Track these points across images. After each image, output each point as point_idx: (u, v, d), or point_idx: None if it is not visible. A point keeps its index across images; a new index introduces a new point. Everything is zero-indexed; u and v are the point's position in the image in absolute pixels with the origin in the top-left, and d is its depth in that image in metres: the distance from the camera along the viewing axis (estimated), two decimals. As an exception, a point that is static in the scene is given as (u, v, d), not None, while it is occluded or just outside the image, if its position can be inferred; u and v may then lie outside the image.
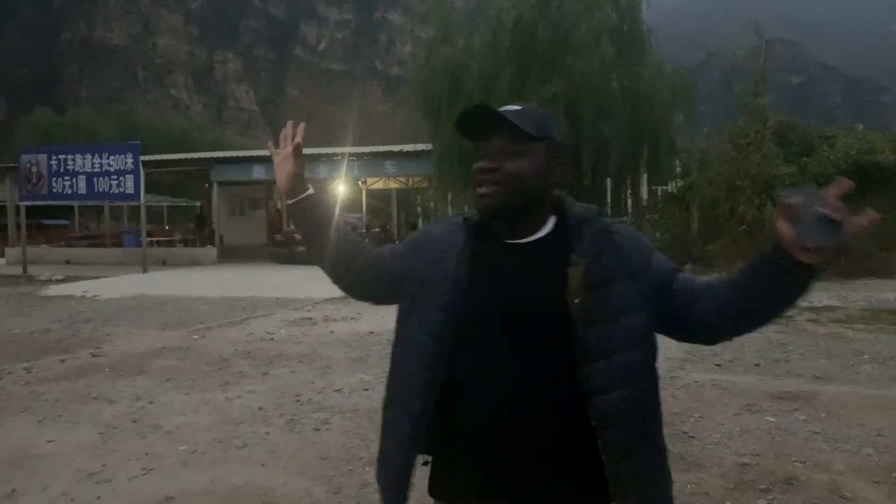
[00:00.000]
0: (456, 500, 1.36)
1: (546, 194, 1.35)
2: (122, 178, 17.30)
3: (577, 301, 1.23)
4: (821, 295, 10.58)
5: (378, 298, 1.55)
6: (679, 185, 17.85)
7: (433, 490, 1.40)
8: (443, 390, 1.32)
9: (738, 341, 7.03)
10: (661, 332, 1.35)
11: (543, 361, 1.26)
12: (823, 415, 4.58)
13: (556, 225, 1.35)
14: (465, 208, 24.02)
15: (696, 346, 6.45)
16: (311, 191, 1.49)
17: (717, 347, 6.82)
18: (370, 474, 3.64)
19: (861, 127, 20.55)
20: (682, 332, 1.36)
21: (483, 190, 1.31)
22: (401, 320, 1.43)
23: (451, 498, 1.36)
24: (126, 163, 17.21)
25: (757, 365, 6.09)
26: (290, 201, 1.49)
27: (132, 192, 17.27)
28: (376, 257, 1.49)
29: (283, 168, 1.48)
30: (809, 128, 19.15)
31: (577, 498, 1.28)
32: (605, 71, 14.77)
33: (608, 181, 16.73)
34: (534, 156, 1.30)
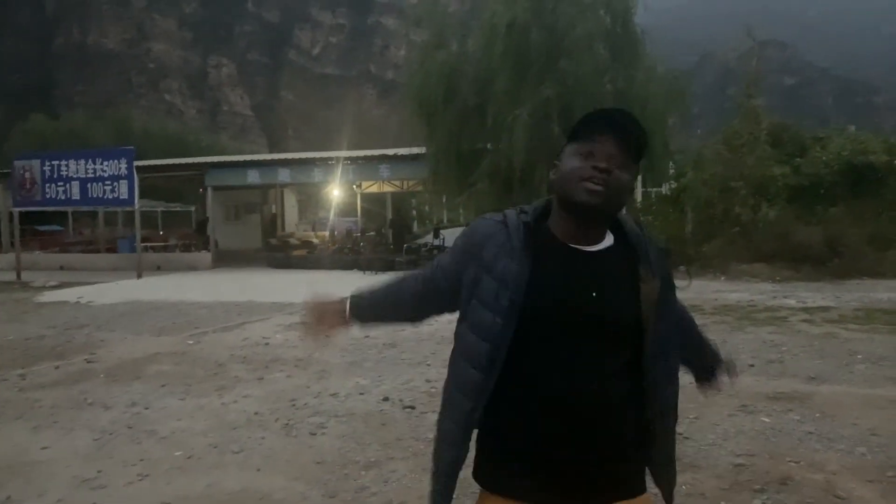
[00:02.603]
0: (514, 495, 1.38)
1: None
2: (115, 183, 17.24)
3: (650, 313, 1.34)
4: (815, 295, 10.62)
5: (447, 310, 1.57)
6: (673, 186, 17.91)
7: (487, 482, 1.44)
8: (499, 392, 1.35)
9: (733, 342, 7.07)
10: None
11: (612, 365, 1.34)
12: (818, 415, 4.60)
13: (616, 238, 1.42)
14: (461, 210, 24.04)
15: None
16: (346, 308, 1.66)
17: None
18: (366, 478, 3.65)
19: (853, 128, 20.67)
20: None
21: (593, 186, 1.32)
22: (458, 323, 1.46)
23: (508, 491, 1.39)
24: (120, 168, 17.16)
25: (751, 366, 6.10)
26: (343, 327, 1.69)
27: (126, 197, 17.21)
28: (426, 282, 1.54)
29: (319, 329, 1.74)
30: (802, 129, 19.26)
31: (627, 493, 1.38)
32: (598, 74, 14.82)
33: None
34: (632, 174, 1.38)
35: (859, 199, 15.09)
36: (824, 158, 16.34)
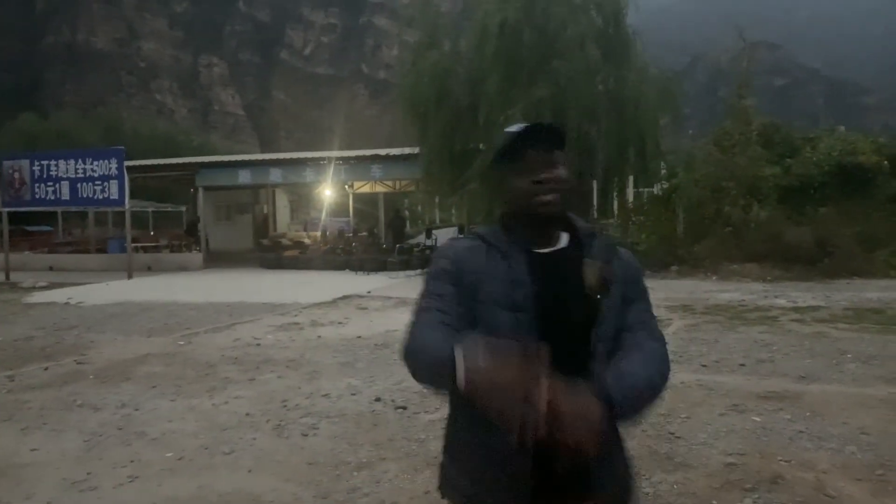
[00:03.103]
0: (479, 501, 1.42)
1: None
2: (106, 183, 17.14)
3: (598, 297, 1.40)
4: (805, 295, 10.67)
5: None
6: (665, 187, 17.97)
7: (451, 492, 1.49)
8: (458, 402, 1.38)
9: (724, 342, 7.10)
10: None
11: (584, 358, 1.38)
12: (808, 414, 4.62)
13: (571, 238, 1.50)
14: (453, 210, 24.03)
15: (682, 347, 6.43)
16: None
17: (703, 348, 6.87)
18: (358, 479, 3.64)
19: (843, 129, 20.77)
20: None
21: (549, 198, 1.41)
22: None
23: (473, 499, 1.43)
24: (110, 168, 17.07)
25: (742, 365, 6.13)
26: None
27: (116, 197, 17.12)
28: (457, 316, 1.40)
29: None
30: (793, 129, 19.35)
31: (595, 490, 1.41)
32: (590, 74, 14.84)
33: (594, 184, 16.80)
34: (567, 164, 1.47)
35: (849, 199, 15.17)
36: (815, 159, 16.42)
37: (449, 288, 1.43)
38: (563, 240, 1.50)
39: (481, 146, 15.69)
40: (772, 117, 19.94)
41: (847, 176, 15.94)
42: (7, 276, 17.20)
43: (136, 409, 5.11)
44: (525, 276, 1.40)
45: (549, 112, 14.16)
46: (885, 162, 16.08)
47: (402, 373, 6.05)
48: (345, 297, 11.47)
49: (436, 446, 4.00)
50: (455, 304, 1.41)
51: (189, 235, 23.45)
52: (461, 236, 1.54)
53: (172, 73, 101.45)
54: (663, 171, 17.64)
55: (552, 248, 1.48)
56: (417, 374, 1.36)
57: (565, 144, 1.47)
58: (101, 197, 17.33)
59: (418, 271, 16.58)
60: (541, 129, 1.45)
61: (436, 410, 4.70)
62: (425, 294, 1.45)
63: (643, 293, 1.52)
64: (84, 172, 17.25)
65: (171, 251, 21.86)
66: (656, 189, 18.53)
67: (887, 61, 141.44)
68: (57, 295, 13.34)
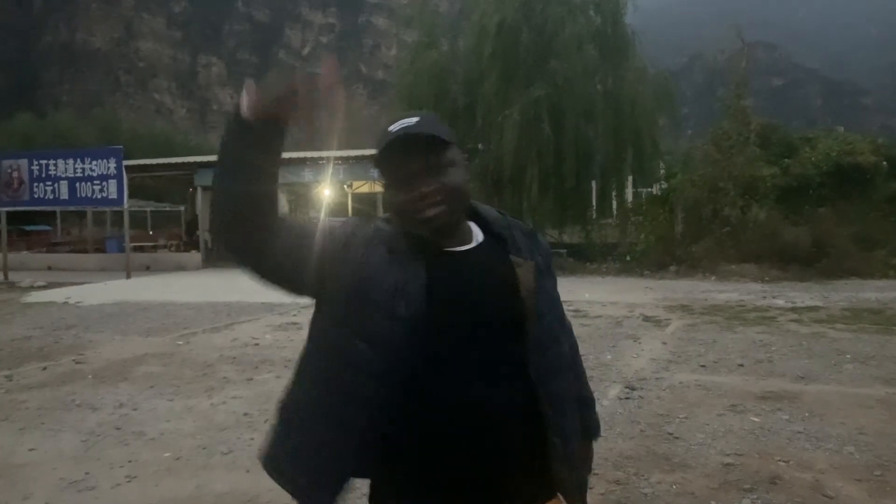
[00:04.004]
0: None
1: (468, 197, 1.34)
2: (104, 183, 17.11)
3: (530, 301, 1.28)
4: (803, 295, 10.69)
5: (299, 289, 1.29)
6: (663, 187, 17.99)
7: None
8: (390, 404, 1.21)
9: (722, 342, 7.10)
10: None
11: (511, 366, 1.27)
12: (806, 414, 4.62)
13: (484, 230, 1.35)
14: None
15: (680, 347, 6.45)
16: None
17: (701, 348, 6.87)
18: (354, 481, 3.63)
19: (841, 129, 20.82)
20: None
21: (431, 212, 1.23)
22: (325, 325, 1.28)
23: None
24: (108, 167, 17.05)
25: (741, 365, 6.13)
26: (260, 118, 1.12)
27: (115, 197, 17.10)
28: (296, 231, 1.25)
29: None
30: (791, 130, 19.40)
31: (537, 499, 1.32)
32: (588, 74, 14.88)
33: (593, 184, 16.82)
34: (458, 162, 1.29)
35: (847, 199, 15.20)
36: (813, 159, 16.46)
37: (319, 241, 1.23)
38: (476, 235, 1.34)
39: (479, 146, 15.70)
40: (770, 117, 19.98)
41: (845, 176, 15.97)
42: (5, 276, 17.18)
43: (134, 409, 5.10)
44: (408, 280, 1.21)
45: (547, 112, 14.19)
46: (884, 162, 16.12)
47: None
48: (343, 297, 11.42)
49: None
50: (306, 240, 1.23)
51: (188, 235, 23.46)
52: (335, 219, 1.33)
53: (170, 73, 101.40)
54: (661, 171, 17.67)
55: (468, 246, 1.32)
56: (220, 209, 1.19)
57: (444, 132, 1.27)
58: (99, 196, 17.30)
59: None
60: (406, 131, 1.24)
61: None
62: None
63: (553, 275, 1.42)
64: (83, 172, 17.22)
65: (170, 251, 21.85)
66: (655, 189, 18.55)
67: (885, 62, 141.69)
68: (55, 294, 13.32)
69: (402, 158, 1.24)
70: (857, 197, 15.42)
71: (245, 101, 1.11)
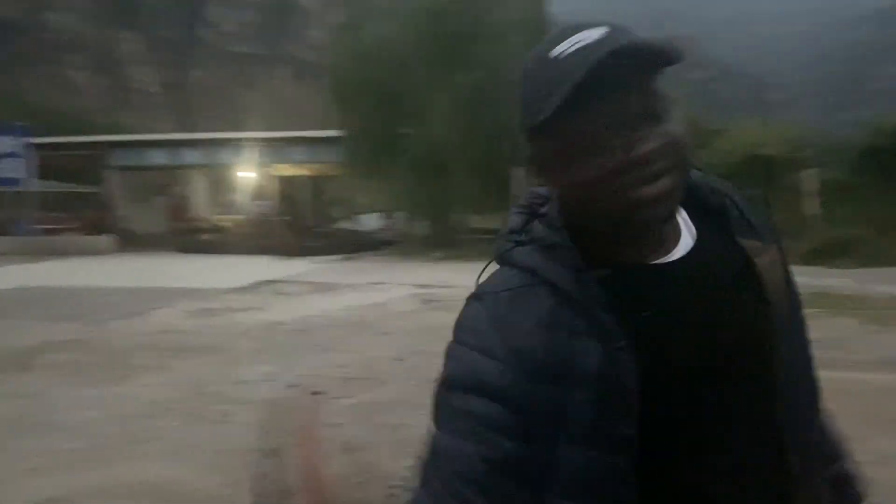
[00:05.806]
0: None
1: None
2: (9, 161, 16.21)
3: (783, 304, 0.79)
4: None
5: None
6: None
7: None
8: None
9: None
10: None
11: (769, 425, 0.76)
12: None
13: (687, 208, 0.82)
14: (377, 195, 23.74)
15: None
16: None
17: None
18: (267, 465, 3.61)
19: (758, 121, 21.79)
20: None
21: (652, 190, 0.67)
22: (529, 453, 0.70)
23: None
24: (13, 145, 16.14)
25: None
26: None
27: (20, 176, 16.21)
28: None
29: None
30: (707, 121, 20.18)
31: None
32: (514, 61, 15.06)
33: (522, 170, 17.07)
34: (671, 114, 0.72)
35: (758, 189, 15.95)
36: (727, 148, 17.18)
37: (505, 444, 0.68)
38: (684, 228, 0.80)
39: (409, 131, 15.67)
40: (687, 109, 20.72)
41: (756, 167, 16.75)
42: None
43: (38, 399, 4.89)
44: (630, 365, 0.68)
45: (475, 98, 14.30)
46: (794, 154, 17.00)
47: (321, 358, 6.03)
48: (264, 282, 11.27)
49: (351, 431, 4.02)
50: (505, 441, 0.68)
51: (99, 216, 22.46)
52: (499, 279, 0.78)
53: (84, 48, 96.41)
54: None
55: (679, 255, 0.77)
56: None
57: (668, 60, 0.69)
58: (3, 176, 16.37)
59: (340, 256, 16.45)
60: (615, 61, 0.65)
61: (353, 396, 4.71)
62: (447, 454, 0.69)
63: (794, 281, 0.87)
64: (-18, 149, 16.26)
65: (83, 234, 20.89)
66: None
67: (795, 60, 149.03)
68: (-47, 280, 12.54)
69: (608, 96, 0.67)
70: (767, 187, 16.20)
71: None
